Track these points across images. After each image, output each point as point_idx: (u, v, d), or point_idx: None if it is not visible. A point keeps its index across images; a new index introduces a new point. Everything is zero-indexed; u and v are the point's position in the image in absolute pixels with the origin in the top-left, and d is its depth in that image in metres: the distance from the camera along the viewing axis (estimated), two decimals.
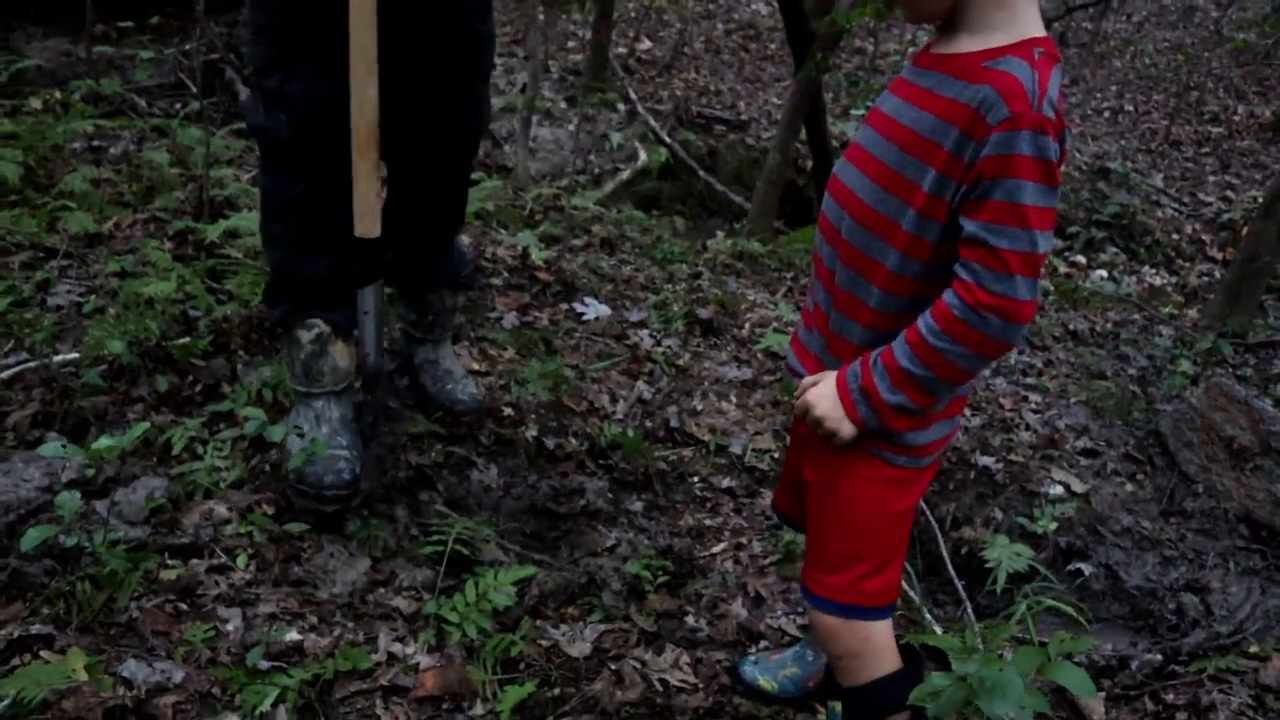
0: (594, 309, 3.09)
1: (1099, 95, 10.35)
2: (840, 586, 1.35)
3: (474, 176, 4.37)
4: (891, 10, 4.14)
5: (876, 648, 1.38)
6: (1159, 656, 2.13)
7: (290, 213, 1.94)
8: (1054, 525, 2.53)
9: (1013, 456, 2.76)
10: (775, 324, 3.26)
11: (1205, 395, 2.85)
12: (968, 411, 2.95)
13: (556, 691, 1.68)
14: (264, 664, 1.58)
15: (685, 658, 1.80)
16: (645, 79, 8.20)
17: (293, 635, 1.65)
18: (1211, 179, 8.28)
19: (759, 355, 3.07)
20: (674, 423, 2.60)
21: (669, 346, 2.98)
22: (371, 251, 1.89)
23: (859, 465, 1.32)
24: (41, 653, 1.50)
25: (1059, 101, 1.13)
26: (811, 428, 1.32)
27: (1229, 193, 7.93)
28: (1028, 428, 2.97)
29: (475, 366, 2.61)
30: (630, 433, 2.49)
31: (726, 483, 2.43)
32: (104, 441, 1.66)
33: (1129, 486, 2.78)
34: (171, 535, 1.82)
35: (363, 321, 1.96)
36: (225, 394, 2.19)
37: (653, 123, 6.96)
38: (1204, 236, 7.16)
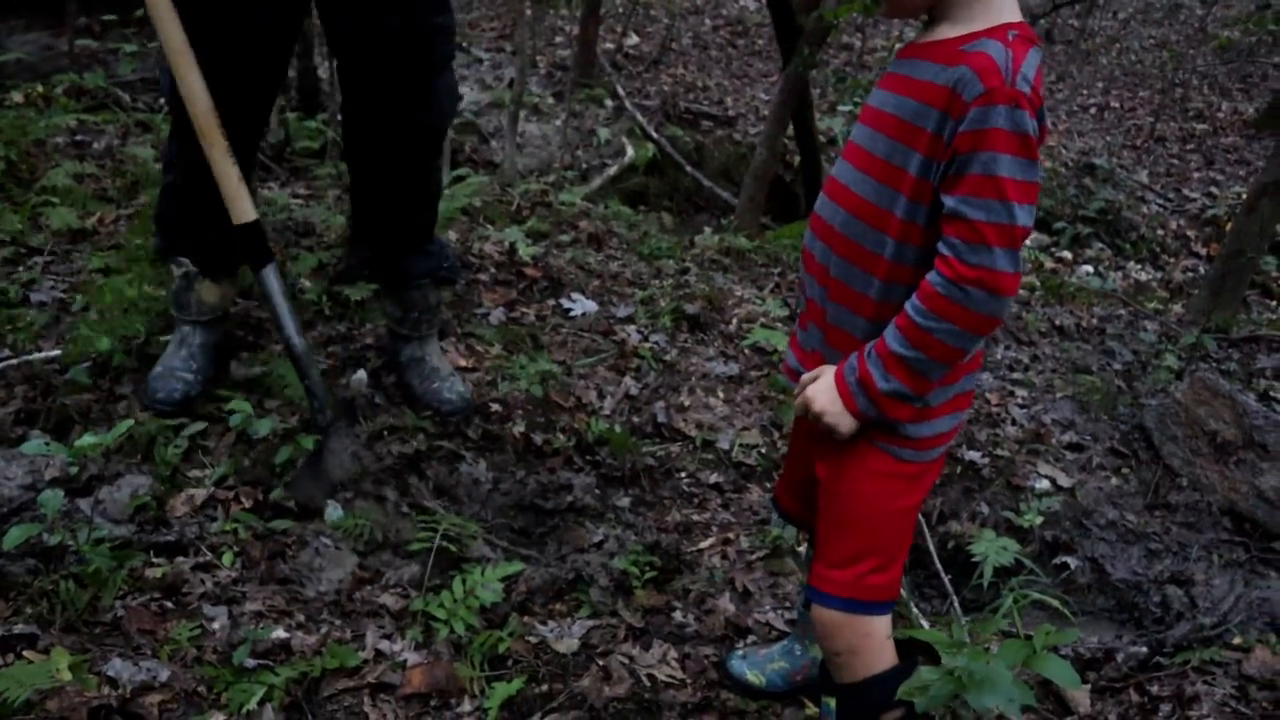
0: (581, 305, 3.08)
1: (1085, 92, 10.40)
2: (846, 581, 1.36)
3: (460, 172, 4.37)
4: (878, 6, 4.15)
5: (876, 644, 1.39)
6: (1144, 649, 2.14)
7: (177, 168, 2.12)
8: (1040, 519, 2.55)
9: (999, 451, 2.78)
10: (762, 319, 3.26)
11: (1189, 389, 2.86)
12: (970, 411, 2.96)
13: (544, 688, 1.68)
14: (250, 662, 1.57)
15: (673, 653, 1.80)
16: (633, 75, 8.19)
17: (279, 633, 1.65)
18: (1196, 175, 8.33)
19: (746, 350, 3.07)
20: (661, 418, 2.60)
21: (656, 342, 2.98)
22: (254, 235, 1.98)
23: (867, 460, 1.33)
24: (25, 652, 1.49)
25: (1037, 81, 1.14)
26: (813, 423, 1.32)
27: (1213, 189, 7.98)
28: (1014, 422, 2.98)
29: (462, 362, 2.60)
30: (618, 428, 2.49)
31: (714, 478, 2.43)
32: (87, 439, 1.65)
33: (1114, 480, 2.80)
34: (156, 533, 1.81)
35: (271, 306, 2.01)
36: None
37: (640, 118, 6.95)
38: (1189, 232, 7.20)
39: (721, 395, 2.79)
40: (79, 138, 3.64)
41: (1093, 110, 9.86)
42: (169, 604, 1.66)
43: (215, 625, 1.63)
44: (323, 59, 5.05)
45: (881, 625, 1.38)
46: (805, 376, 1.35)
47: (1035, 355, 3.56)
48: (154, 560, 1.73)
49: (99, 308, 2.35)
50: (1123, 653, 2.11)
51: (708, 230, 4.98)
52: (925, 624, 2.00)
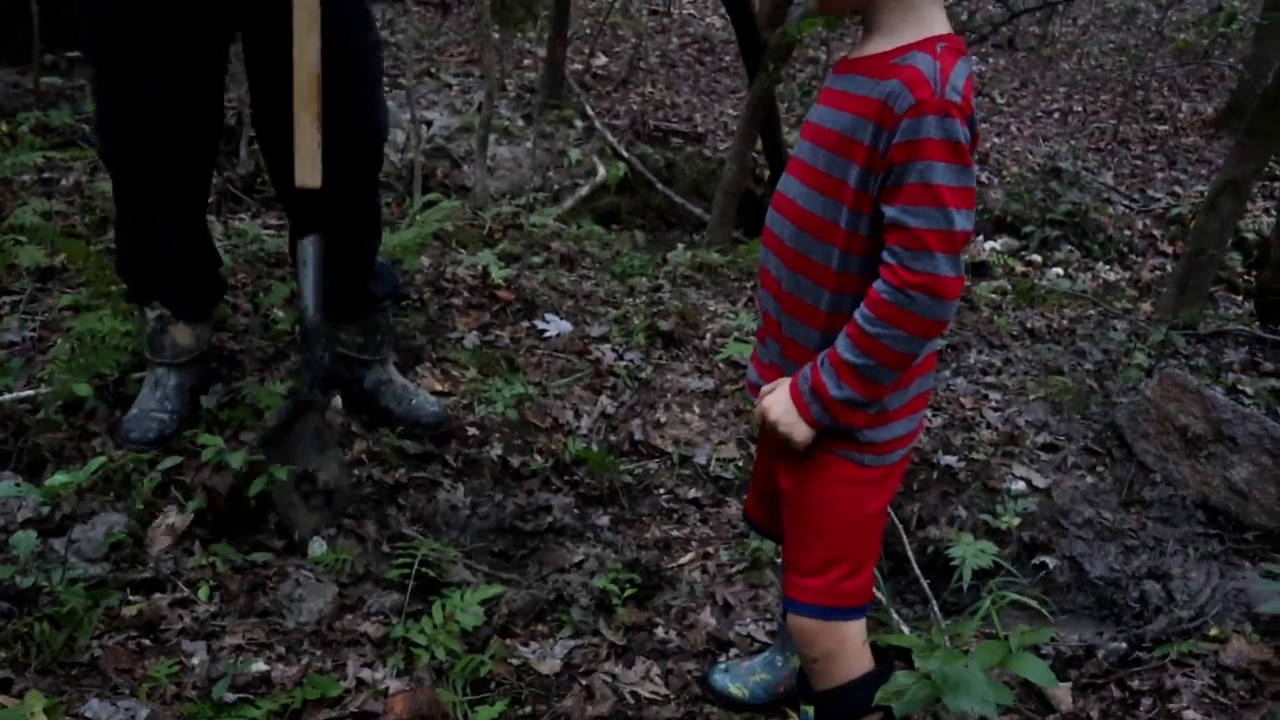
0: (555, 325, 3.09)
1: (1048, 97, 10.54)
2: (819, 589, 1.38)
3: (431, 197, 4.37)
4: (841, 21, 4.20)
5: (852, 649, 1.41)
6: (1124, 644, 2.16)
7: (134, 212, 2.11)
8: (1017, 520, 2.57)
9: (974, 455, 2.80)
10: (736, 333, 3.28)
11: (1159, 386, 2.90)
12: (929, 412, 2.99)
13: (528, 709, 1.68)
14: (230, 696, 1.56)
15: (656, 669, 1.80)
16: (602, 94, 8.24)
17: (259, 666, 1.64)
18: (1160, 175, 8.45)
19: (720, 365, 3.09)
20: (638, 435, 2.61)
21: (631, 360, 2.99)
22: (311, 203, 1.95)
23: (830, 468, 1.35)
24: None
25: (966, 90, 1.18)
26: (771, 433, 1.34)
27: (1177, 188, 8.10)
28: (988, 426, 3.01)
29: (438, 387, 2.60)
30: (595, 447, 2.49)
31: (692, 493, 2.44)
32: (59, 478, 1.64)
33: (1089, 479, 2.83)
34: (133, 570, 1.80)
35: (301, 274, 2.01)
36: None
37: (610, 138, 6.99)
38: (1155, 231, 7.30)
39: (697, 410, 2.81)
40: (46, 175, 3.63)
41: (1056, 115, 9.99)
42: (147, 641, 1.64)
43: (194, 661, 1.62)
44: None
45: (857, 630, 1.40)
46: (764, 388, 1.37)
47: (1008, 358, 3.59)
48: (131, 598, 1.72)
49: (70, 345, 2.34)
50: (1103, 649, 2.13)
51: (680, 246, 5.01)
52: (906, 629, 2.02)
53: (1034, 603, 2.14)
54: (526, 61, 8.51)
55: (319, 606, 1.83)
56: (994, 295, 4.56)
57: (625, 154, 6.85)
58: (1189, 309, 4.05)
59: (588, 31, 9.57)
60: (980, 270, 6.18)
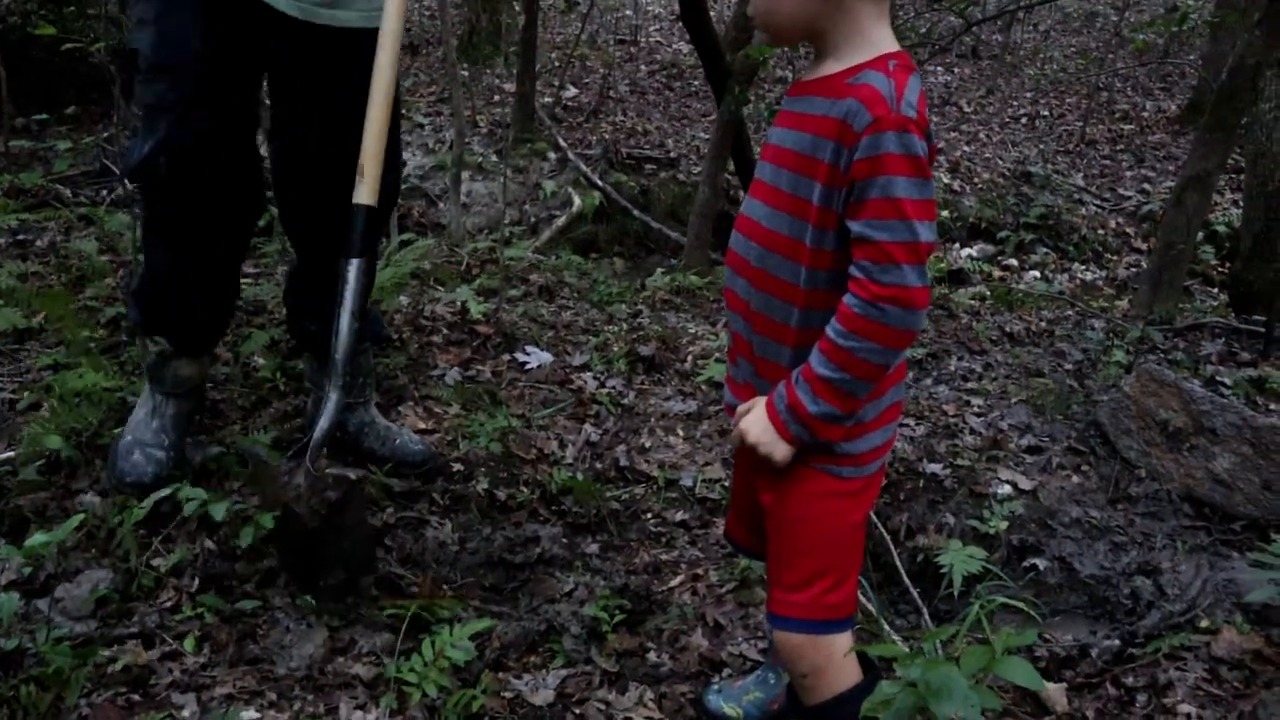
0: (536, 357, 3.11)
1: (1014, 102, 10.67)
2: (804, 603, 1.38)
3: (407, 237, 4.39)
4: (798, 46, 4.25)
5: (839, 661, 1.41)
6: (1117, 641, 2.17)
7: (163, 246, 2.06)
8: (1005, 524, 2.58)
9: (959, 461, 2.81)
10: (717, 355, 3.30)
11: (1137, 382, 2.93)
12: (912, 421, 3.00)
13: None
14: None
15: (649, 694, 1.80)
16: (573, 125, 8.30)
17: (251, 714, 1.63)
18: (1129, 174, 8.55)
19: (702, 387, 3.10)
20: (623, 462, 2.62)
21: (613, 387, 3.00)
22: (369, 225, 1.92)
23: (809, 483, 1.35)
24: None
25: (920, 105, 1.21)
26: (750, 454, 1.35)
27: (1146, 185, 8.20)
28: (972, 431, 3.02)
29: (421, 425, 2.61)
30: (581, 476, 2.50)
31: (679, 516, 2.45)
32: (39, 538, 1.63)
33: (1075, 478, 2.84)
34: (120, 625, 1.78)
35: (342, 292, 1.92)
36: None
37: (584, 168, 7.04)
38: (1127, 229, 7.38)
39: (681, 433, 2.82)
40: (21, 236, 3.63)
41: (1024, 120, 10.11)
42: (136, 696, 1.63)
43: (185, 713, 1.61)
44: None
45: (843, 642, 1.40)
46: (740, 409, 1.38)
47: (988, 363, 3.62)
48: (118, 654, 1.71)
49: (51, 404, 2.34)
50: (1096, 648, 2.14)
51: (659, 271, 5.04)
52: (897, 640, 2.02)
53: (1025, 605, 2.14)
54: (496, 97, 8.57)
55: (309, 651, 1.82)
56: (972, 301, 4.59)
57: (600, 183, 6.90)
58: (1164, 304, 4.09)
59: (556, 64, 9.66)
60: (958, 277, 6.23)
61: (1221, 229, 6.73)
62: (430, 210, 6.33)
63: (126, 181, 2.12)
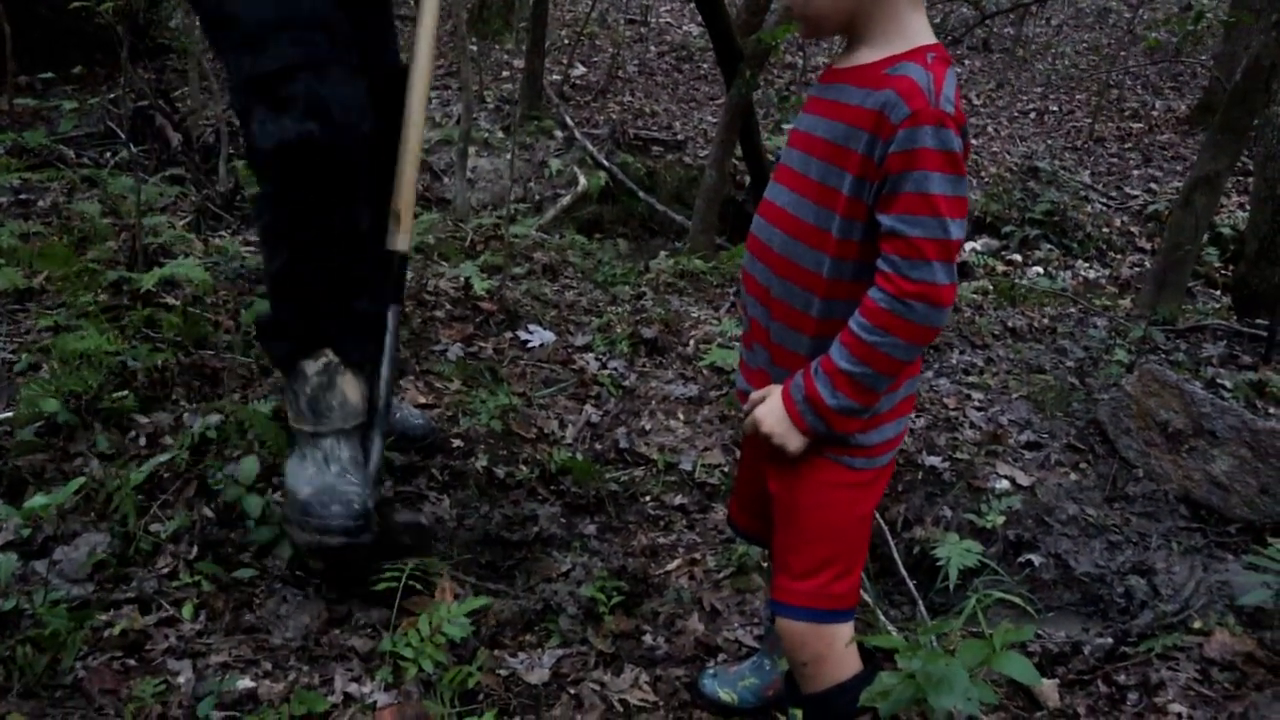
0: (539, 336, 3.10)
1: (1024, 97, 10.63)
2: (810, 591, 1.38)
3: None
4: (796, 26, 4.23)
5: (840, 652, 1.41)
6: (1110, 639, 2.17)
7: (322, 232, 1.75)
8: (1002, 519, 2.58)
9: (959, 455, 2.81)
10: (719, 339, 3.29)
11: (1138, 382, 2.92)
12: (912, 413, 3.00)
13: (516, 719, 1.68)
14: (216, 715, 1.55)
15: (644, 676, 1.80)
16: (581, 104, 8.26)
17: (245, 683, 1.63)
18: (1136, 173, 8.53)
19: (704, 371, 3.09)
20: (623, 444, 2.62)
21: (615, 368, 3.00)
22: (401, 269, 1.87)
23: (820, 472, 1.35)
24: None
25: (956, 99, 1.19)
26: (763, 442, 1.34)
27: (1153, 185, 8.18)
28: (972, 425, 3.03)
29: (422, 399, 2.60)
30: (580, 456, 2.50)
31: (678, 500, 2.45)
32: (39, 500, 1.63)
33: (1073, 476, 2.84)
34: (117, 590, 1.78)
35: (388, 343, 1.87)
36: (167, 445, 2.15)
37: (590, 147, 7.01)
38: (1132, 228, 7.37)
39: (682, 417, 2.81)
40: (24, 196, 3.61)
41: (1033, 115, 10.07)
42: (131, 662, 1.63)
43: (180, 680, 1.61)
44: None
45: (845, 631, 1.40)
46: (753, 396, 1.37)
47: (989, 358, 3.62)
48: (115, 618, 1.71)
49: (49, 367, 2.33)
50: (1089, 645, 2.15)
51: (662, 254, 5.02)
52: (893, 630, 2.03)
53: (1020, 600, 2.15)
54: (505, 73, 8.52)
55: (305, 621, 1.82)
56: (975, 295, 4.59)
57: (606, 163, 6.87)
58: (1167, 304, 4.09)
59: (565, 42, 9.60)
60: (961, 271, 6.22)
61: (1226, 231, 6.72)
62: (435, 184, 6.30)
63: (259, 168, 1.76)
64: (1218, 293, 6.07)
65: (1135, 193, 8.01)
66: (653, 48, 10.62)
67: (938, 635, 1.88)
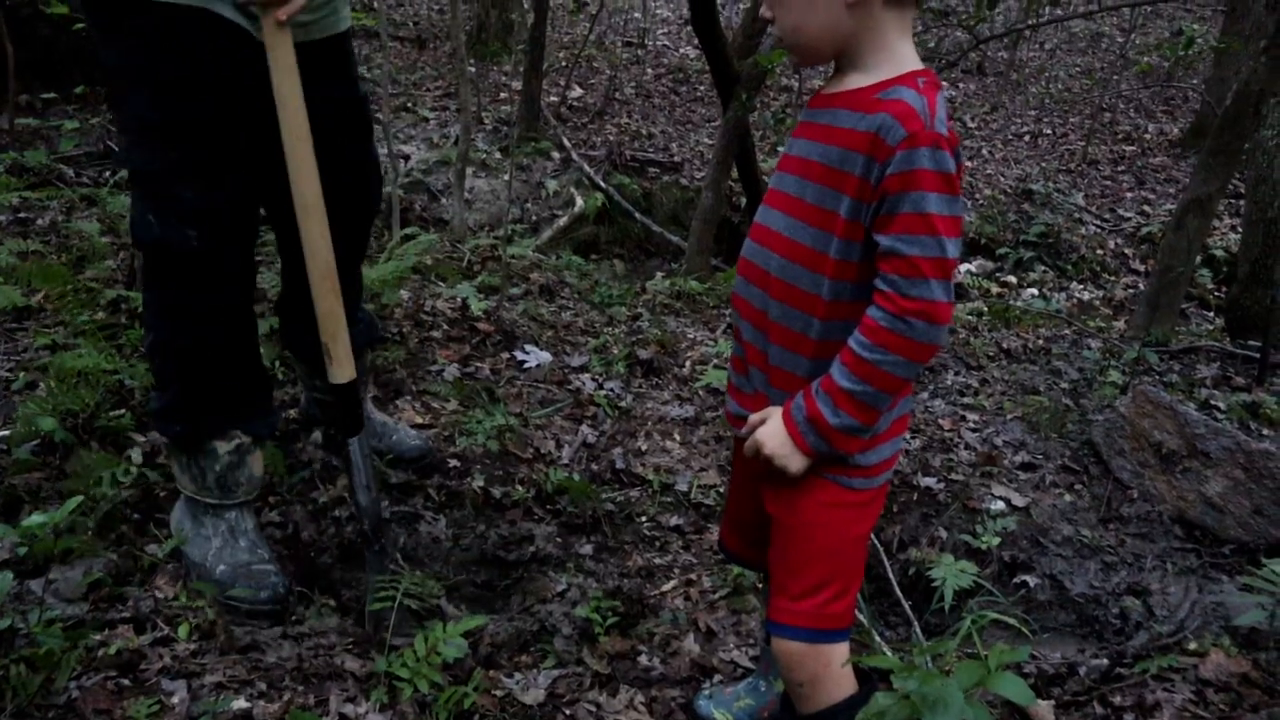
0: (535, 356, 3.11)
1: (1018, 120, 10.71)
2: (808, 612, 1.39)
3: (410, 231, 4.39)
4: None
5: (836, 671, 1.41)
6: (1105, 660, 2.17)
7: (206, 326, 1.81)
8: (997, 540, 2.59)
9: (953, 476, 2.82)
10: (715, 360, 3.30)
11: (1132, 403, 2.94)
12: (908, 434, 3.01)
13: None
14: None
15: (640, 697, 1.80)
16: (578, 126, 8.31)
17: (240, 703, 1.62)
18: (1129, 195, 8.59)
19: (700, 392, 3.10)
20: (620, 464, 2.62)
21: (611, 389, 3.00)
22: (354, 397, 1.80)
23: (820, 493, 1.36)
24: None
25: (948, 121, 1.21)
26: (764, 465, 1.35)
27: (1146, 207, 8.23)
28: (967, 446, 3.03)
29: (419, 420, 2.61)
30: (576, 477, 2.50)
31: (674, 520, 2.45)
32: (36, 519, 1.63)
33: (1067, 497, 2.85)
34: (112, 609, 1.78)
35: (353, 474, 1.85)
36: (163, 463, 2.16)
37: (587, 169, 7.04)
38: (1126, 250, 7.41)
39: (678, 438, 2.82)
40: (23, 215, 3.62)
41: (1026, 137, 10.15)
42: (126, 681, 1.63)
43: (174, 700, 1.61)
44: None
45: (841, 651, 1.41)
46: (753, 418, 1.38)
47: (984, 379, 3.63)
48: (110, 638, 1.71)
49: (46, 385, 2.33)
50: (1084, 666, 2.15)
51: (659, 275, 5.04)
52: (888, 651, 2.03)
53: (1015, 621, 2.15)
54: (503, 95, 8.57)
55: (300, 641, 1.82)
56: (970, 317, 4.61)
57: (603, 184, 6.90)
58: (1161, 326, 4.11)
59: (563, 64, 9.66)
60: (956, 292, 6.23)
61: (1219, 253, 6.76)
62: (433, 205, 6.32)
63: (137, 248, 1.82)
64: (1211, 314, 6.10)
65: (1128, 215, 8.07)
66: (650, 70, 10.70)
67: (933, 656, 1.88)
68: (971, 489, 2.77)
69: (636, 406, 2.95)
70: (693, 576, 2.23)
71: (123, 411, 2.28)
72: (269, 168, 1.86)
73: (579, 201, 6.62)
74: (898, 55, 1.26)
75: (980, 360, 3.77)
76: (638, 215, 6.77)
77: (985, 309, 5.00)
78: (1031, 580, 2.55)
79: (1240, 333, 4.29)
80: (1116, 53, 11.78)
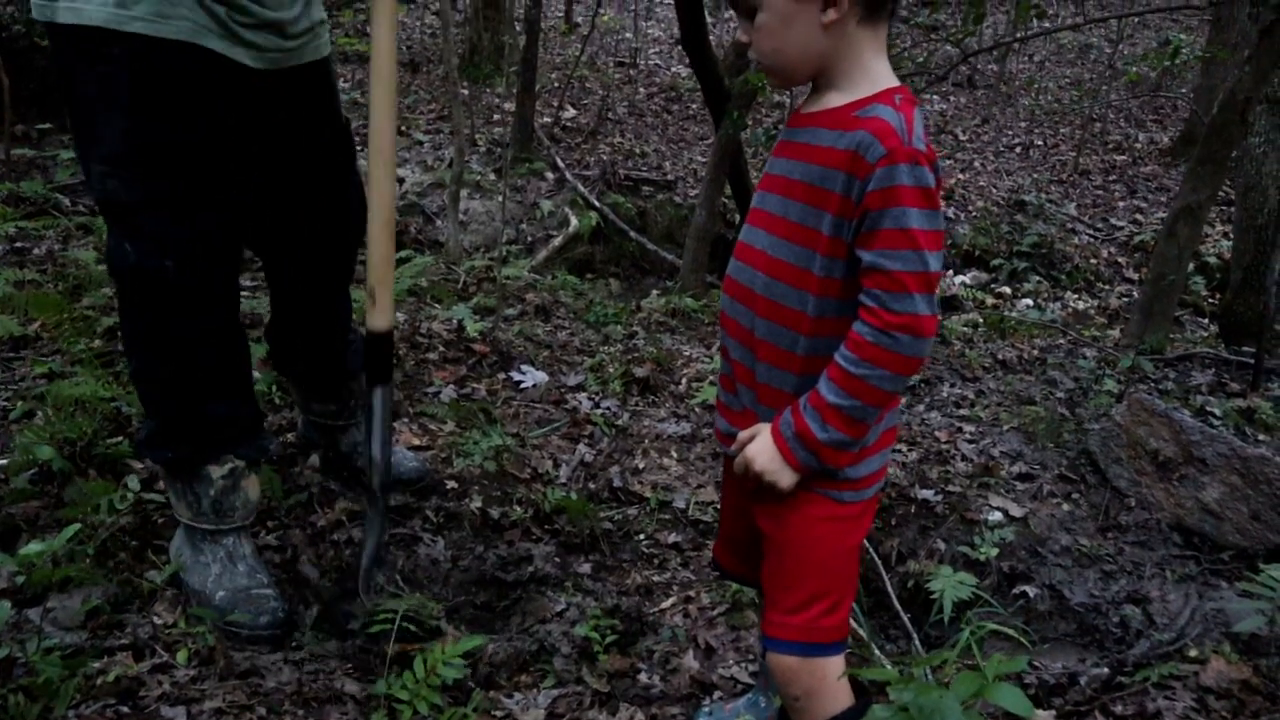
0: (531, 376, 3.12)
1: (1009, 132, 10.77)
2: (801, 625, 1.39)
3: (405, 254, 4.41)
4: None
5: (832, 685, 1.42)
6: (1106, 669, 2.17)
7: (190, 353, 1.79)
8: (995, 551, 2.59)
9: (951, 487, 2.83)
10: (711, 377, 3.31)
11: (1127, 411, 2.95)
12: (904, 447, 3.02)
13: None
14: None
15: (640, 715, 1.80)
16: (572, 146, 8.35)
17: None
18: (1121, 204, 8.63)
19: (696, 409, 3.11)
20: (617, 482, 2.62)
21: (608, 408, 3.01)
22: (389, 347, 1.83)
23: (810, 507, 1.37)
24: None
25: (925, 136, 1.23)
26: (753, 481, 1.36)
27: (1138, 216, 8.27)
28: (963, 458, 3.04)
29: (416, 441, 2.61)
30: (574, 496, 2.50)
31: (672, 538, 2.45)
32: (33, 547, 1.63)
33: (1065, 506, 2.86)
34: (111, 637, 1.78)
35: (372, 424, 1.87)
36: (161, 490, 2.16)
37: (581, 188, 7.07)
38: (1120, 259, 7.44)
39: (675, 455, 2.82)
40: (19, 244, 3.64)
41: (1018, 149, 10.20)
42: (125, 709, 1.63)
43: None
44: None
45: (836, 665, 1.41)
46: (742, 435, 1.39)
47: (980, 390, 3.64)
48: (109, 665, 1.71)
49: (43, 414, 2.34)
50: (1085, 675, 2.14)
51: (654, 293, 5.06)
52: (887, 664, 2.02)
53: (1015, 632, 2.15)
54: (496, 116, 8.62)
55: (299, 666, 1.82)
56: (965, 328, 4.63)
57: (597, 204, 6.93)
58: (1155, 334, 4.12)
59: (555, 85, 9.72)
60: (951, 304, 6.26)
61: (1212, 260, 6.79)
62: (428, 227, 6.35)
63: (112, 277, 1.80)
64: (1205, 321, 6.12)
65: (1121, 224, 8.10)
66: (642, 89, 10.76)
67: (932, 668, 1.88)
68: (969, 500, 2.78)
69: (633, 424, 2.95)
70: (691, 593, 2.23)
71: (120, 439, 2.28)
72: (252, 197, 1.88)
73: (573, 221, 6.65)
74: (873, 73, 1.28)
75: (976, 371, 3.78)
76: (632, 234, 6.80)
77: (980, 320, 5.02)
78: (1031, 590, 2.55)
79: (1234, 339, 4.30)
80: (1105, 63, 11.86)
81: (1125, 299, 6.66)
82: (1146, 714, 1.94)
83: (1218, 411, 3.36)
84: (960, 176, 9.12)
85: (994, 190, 8.77)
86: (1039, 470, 3.01)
